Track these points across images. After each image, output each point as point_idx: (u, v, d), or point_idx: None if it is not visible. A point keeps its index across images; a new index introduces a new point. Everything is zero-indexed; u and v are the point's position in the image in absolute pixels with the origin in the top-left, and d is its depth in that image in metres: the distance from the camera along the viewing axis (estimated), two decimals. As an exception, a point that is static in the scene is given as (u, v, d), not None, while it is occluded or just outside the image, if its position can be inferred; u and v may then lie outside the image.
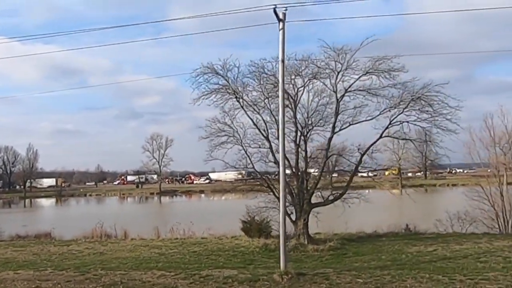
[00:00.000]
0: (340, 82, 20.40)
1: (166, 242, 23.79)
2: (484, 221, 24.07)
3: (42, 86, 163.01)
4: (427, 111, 20.36)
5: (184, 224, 26.07)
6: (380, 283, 14.33)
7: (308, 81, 21.04)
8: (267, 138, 21.04)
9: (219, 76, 21.05)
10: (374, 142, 20.75)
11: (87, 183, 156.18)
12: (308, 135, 20.59)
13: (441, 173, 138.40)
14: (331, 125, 20.44)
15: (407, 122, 20.65)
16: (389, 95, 20.57)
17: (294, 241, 19.55)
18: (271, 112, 20.72)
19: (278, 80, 20.04)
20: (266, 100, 20.76)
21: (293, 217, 20.57)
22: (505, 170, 74.51)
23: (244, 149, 20.95)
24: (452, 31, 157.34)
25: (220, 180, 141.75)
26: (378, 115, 20.11)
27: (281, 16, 15.55)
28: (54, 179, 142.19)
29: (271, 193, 21.15)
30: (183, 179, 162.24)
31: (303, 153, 20.66)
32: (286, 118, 20.15)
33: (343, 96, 20.43)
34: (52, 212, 79.54)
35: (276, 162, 21.10)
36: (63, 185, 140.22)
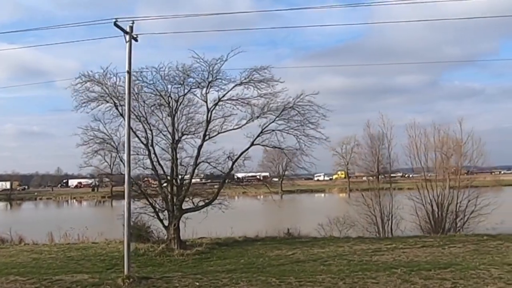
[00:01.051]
0: (214, 92, 21.08)
1: (54, 247, 23.99)
2: (364, 225, 25.12)
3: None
4: (297, 120, 21.25)
5: (79, 229, 26.31)
6: (214, 286, 15.05)
7: (189, 90, 21.58)
8: (146, 145, 21.54)
9: (100, 84, 21.38)
10: (245, 150, 21.56)
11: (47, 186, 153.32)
12: (177, 143, 21.17)
13: (395, 177, 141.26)
14: (202, 133, 21.10)
15: (279, 130, 21.50)
16: (261, 105, 21.36)
17: (162, 246, 20.10)
18: (146, 120, 21.24)
19: (156, 89, 20.77)
20: (142, 109, 21.28)
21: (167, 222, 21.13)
22: (448, 174, 77.00)
23: (119, 156, 21.38)
24: (419, 37, 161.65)
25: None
26: (245, 124, 20.94)
27: (127, 29, 16.14)
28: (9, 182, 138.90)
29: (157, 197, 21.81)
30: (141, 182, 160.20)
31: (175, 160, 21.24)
32: (161, 126, 20.94)
33: (216, 105, 21.14)
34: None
35: (154, 168, 21.67)
36: (18, 188, 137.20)
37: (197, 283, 15.45)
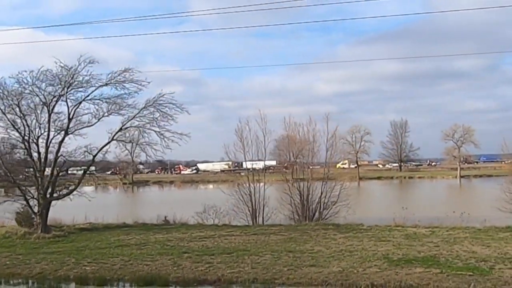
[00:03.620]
0: (76, 92, 23.47)
1: None
2: (240, 215, 26.79)
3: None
4: (154, 118, 23.36)
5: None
6: (19, 262, 17.85)
7: (63, 90, 23.93)
8: (27, 140, 24.04)
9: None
10: (104, 145, 23.84)
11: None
12: (37, 138, 23.63)
13: (421, 165, 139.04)
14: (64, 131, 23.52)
15: (140, 127, 23.69)
16: (123, 104, 23.58)
17: (25, 230, 22.77)
18: (22, 117, 23.76)
19: (34, 90, 23.36)
20: (19, 108, 23.83)
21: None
22: (459, 163, 76.56)
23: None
24: (479, 18, 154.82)
25: (208, 171, 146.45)
26: (96, 122, 23.28)
27: None
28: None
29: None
30: (172, 169, 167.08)
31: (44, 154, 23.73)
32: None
33: (79, 103, 23.50)
34: None
35: (32, 162, 24.28)
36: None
37: (8, 262, 18.10)
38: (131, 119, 23.58)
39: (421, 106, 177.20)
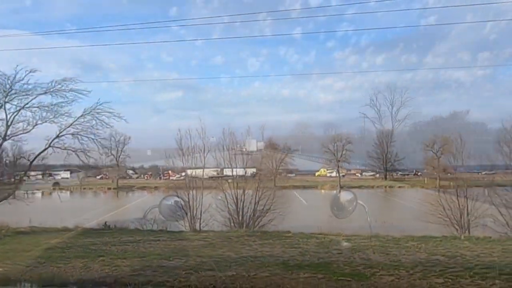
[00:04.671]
0: (17, 99, 24.32)
1: None
2: (180, 221, 27.56)
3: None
4: (90, 126, 24.20)
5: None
6: None
7: (5, 98, 24.81)
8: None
9: None
10: (42, 152, 24.64)
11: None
12: None
13: (407, 174, 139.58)
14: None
15: (77, 134, 24.52)
16: (59, 112, 24.43)
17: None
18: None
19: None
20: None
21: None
22: (438, 173, 76.87)
23: None
24: (475, 28, 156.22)
25: (197, 177, 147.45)
26: (32, 129, 24.09)
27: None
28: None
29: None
30: (162, 174, 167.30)
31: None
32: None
33: (18, 111, 24.35)
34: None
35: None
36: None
37: None
38: (68, 126, 24.37)
39: (416, 115, 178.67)
